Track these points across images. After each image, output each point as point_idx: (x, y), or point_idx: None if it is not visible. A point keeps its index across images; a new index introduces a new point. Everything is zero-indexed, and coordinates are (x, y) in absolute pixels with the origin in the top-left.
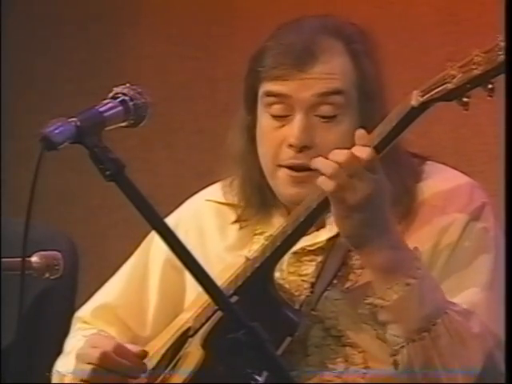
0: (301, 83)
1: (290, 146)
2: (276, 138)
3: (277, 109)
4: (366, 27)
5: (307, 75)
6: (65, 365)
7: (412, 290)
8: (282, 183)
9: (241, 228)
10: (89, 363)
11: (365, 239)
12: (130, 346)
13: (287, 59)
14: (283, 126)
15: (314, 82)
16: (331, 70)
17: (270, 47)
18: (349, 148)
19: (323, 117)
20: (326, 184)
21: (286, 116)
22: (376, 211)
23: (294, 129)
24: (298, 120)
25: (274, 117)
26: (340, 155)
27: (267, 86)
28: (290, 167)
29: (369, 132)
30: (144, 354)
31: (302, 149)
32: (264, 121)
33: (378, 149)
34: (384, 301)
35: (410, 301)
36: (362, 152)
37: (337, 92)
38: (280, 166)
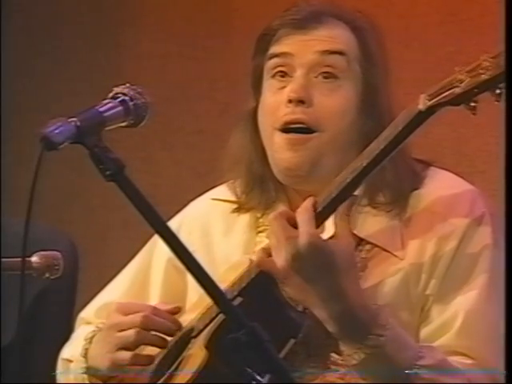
0: (304, 43)
1: (289, 101)
2: (276, 100)
3: (280, 70)
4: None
5: (311, 36)
6: (72, 350)
7: (372, 358)
8: (277, 148)
9: (240, 214)
10: (130, 328)
11: (309, 305)
12: (161, 306)
13: (292, 23)
14: (284, 87)
15: (317, 43)
16: (335, 35)
17: (278, 16)
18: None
19: (324, 77)
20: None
21: (287, 79)
22: (308, 279)
23: (292, 84)
24: (298, 76)
25: (277, 79)
26: (271, 214)
27: (272, 50)
28: (287, 128)
29: (369, 116)
30: (178, 310)
31: (299, 103)
32: (267, 88)
33: (384, 152)
34: (346, 361)
35: (370, 366)
36: (302, 238)
37: (339, 52)
38: (277, 129)
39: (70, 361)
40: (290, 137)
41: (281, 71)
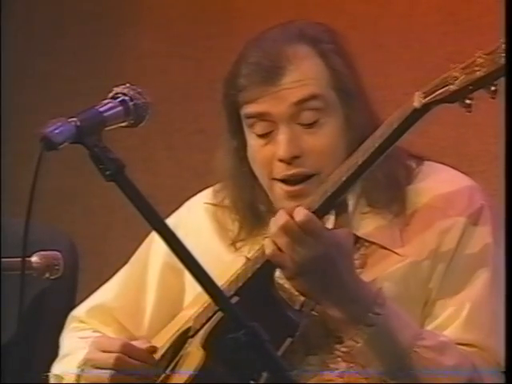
0: (275, 97)
1: (280, 160)
2: (265, 155)
3: (260, 127)
4: (332, 26)
5: (279, 88)
6: (64, 367)
7: (372, 337)
8: (278, 198)
9: (237, 250)
10: (104, 368)
11: (317, 297)
12: (137, 343)
13: (257, 78)
14: (269, 142)
15: (288, 93)
16: (302, 76)
17: (239, 69)
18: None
19: (305, 124)
20: (267, 246)
21: (270, 132)
22: (322, 273)
23: (279, 143)
24: (281, 134)
25: (259, 136)
26: (280, 218)
27: (245, 109)
28: (285, 180)
29: (356, 134)
30: (153, 349)
31: (291, 160)
32: (252, 141)
33: (379, 150)
34: (350, 348)
35: (373, 347)
36: (299, 215)
37: (313, 97)
38: (275, 179)
39: (62, 377)
40: (289, 189)
41: (261, 131)
